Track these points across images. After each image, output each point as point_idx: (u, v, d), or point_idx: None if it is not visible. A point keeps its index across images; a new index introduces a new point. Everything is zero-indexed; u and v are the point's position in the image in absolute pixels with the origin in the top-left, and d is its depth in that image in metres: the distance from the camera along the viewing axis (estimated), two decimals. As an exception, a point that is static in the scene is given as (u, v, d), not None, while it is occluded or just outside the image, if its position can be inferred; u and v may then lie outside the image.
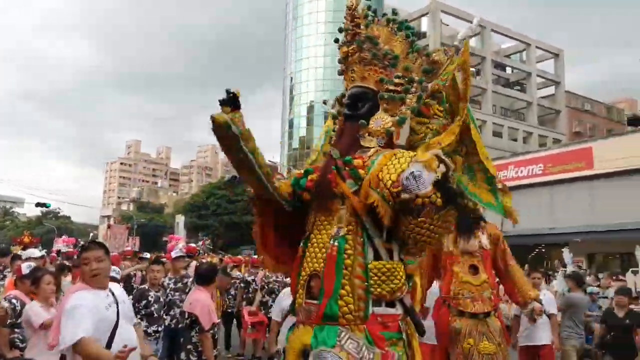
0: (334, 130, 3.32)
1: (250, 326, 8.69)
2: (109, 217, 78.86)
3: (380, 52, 3.05)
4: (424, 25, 49.39)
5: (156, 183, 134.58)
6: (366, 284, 2.66)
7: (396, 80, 3.02)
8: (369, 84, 3.05)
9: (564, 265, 18.25)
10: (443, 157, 2.47)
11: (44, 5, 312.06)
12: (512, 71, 53.46)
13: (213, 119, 2.47)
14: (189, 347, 5.15)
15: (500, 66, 52.07)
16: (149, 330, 5.84)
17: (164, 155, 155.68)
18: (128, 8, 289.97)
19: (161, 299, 6.24)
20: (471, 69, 3.13)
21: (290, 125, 52.17)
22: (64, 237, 14.27)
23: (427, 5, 47.14)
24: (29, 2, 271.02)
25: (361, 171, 2.75)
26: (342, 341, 2.59)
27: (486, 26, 47.99)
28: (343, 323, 2.63)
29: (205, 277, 5.48)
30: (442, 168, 2.44)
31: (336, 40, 3.20)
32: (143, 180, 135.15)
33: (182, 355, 5.20)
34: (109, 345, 3.11)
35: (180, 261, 7.22)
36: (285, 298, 5.49)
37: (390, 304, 2.72)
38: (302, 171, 2.96)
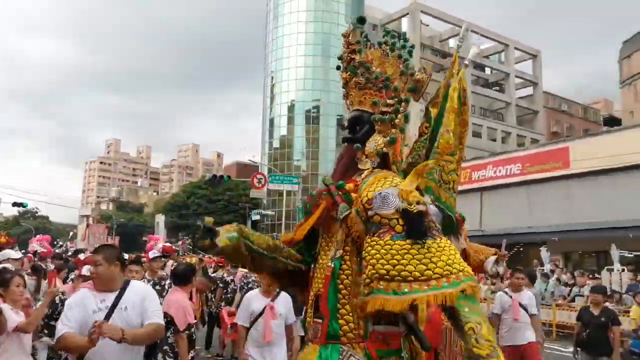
0: None
1: (229, 327, 8.66)
2: (88, 216, 78.00)
3: (372, 76, 3.11)
4: (404, 25, 49.63)
5: (136, 182, 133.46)
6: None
7: (389, 102, 3.09)
8: (365, 107, 3.12)
9: (542, 264, 18.52)
10: (423, 200, 2.57)
11: (24, 5, 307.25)
12: (491, 72, 53.99)
13: (220, 249, 2.76)
14: (165, 347, 5.10)
15: (479, 67, 52.56)
16: None
17: (144, 155, 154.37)
18: (108, 7, 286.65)
19: None
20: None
21: (271, 125, 52.04)
22: (38, 236, 13.95)
23: (407, 6, 47.39)
24: (9, 2, 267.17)
25: (353, 194, 2.83)
26: (350, 357, 2.66)
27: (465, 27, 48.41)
28: (344, 342, 2.69)
29: (182, 277, 5.43)
30: (421, 207, 2.52)
31: (338, 67, 3.28)
32: (123, 180, 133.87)
33: (159, 356, 5.13)
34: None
35: (157, 261, 7.17)
36: (254, 300, 5.44)
37: (392, 322, 2.75)
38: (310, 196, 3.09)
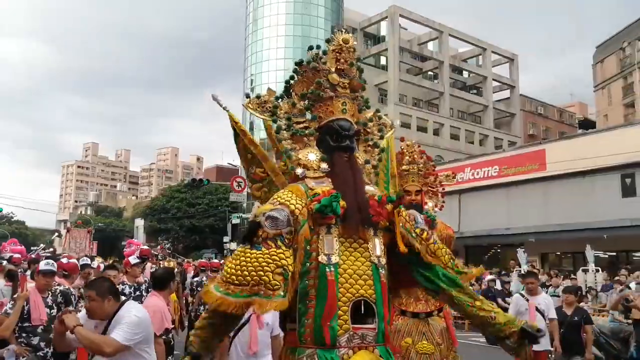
0: None
1: None
2: (65, 221, 77.04)
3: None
4: (383, 29, 49.94)
5: (115, 186, 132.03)
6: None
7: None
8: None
9: (519, 265, 18.76)
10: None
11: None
12: (469, 75, 54.56)
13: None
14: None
15: (458, 70, 53.09)
16: None
17: (122, 158, 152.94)
18: (85, 9, 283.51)
19: None
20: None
21: (251, 128, 51.89)
22: (9, 242, 13.65)
23: (386, 10, 47.68)
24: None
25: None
26: (395, 356, 2.94)
27: (444, 31, 48.88)
28: (386, 343, 2.90)
29: (160, 281, 5.42)
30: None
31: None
32: (101, 184, 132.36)
33: None
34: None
35: (138, 267, 7.19)
36: None
37: None
38: (331, 195, 2.89)
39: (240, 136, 3.29)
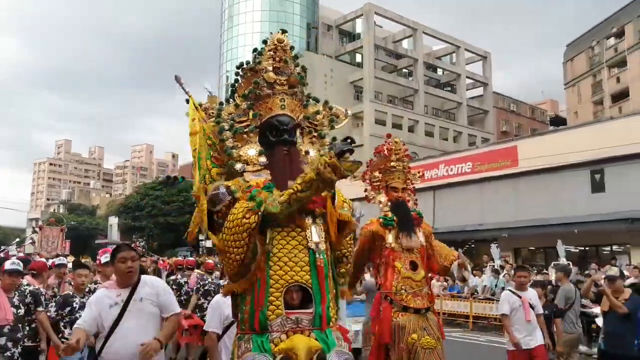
0: None
1: (185, 330, 8.57)
2: (36, 220, 75.64)
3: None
4: (358, 26, 50.09)
5: (88, 184, 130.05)
6: (334, 290, 3.11)
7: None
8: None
9: (493, 260, 19.04)
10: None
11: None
12: (443, 73, 55.03)
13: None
14: None
15: (432, 67, 53.51)
16: None
17: (96, 156, 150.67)
18: (55, 6, 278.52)
19: None
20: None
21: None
22: None
23: (361, 7, 47.82)
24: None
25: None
26: (338, 340, 2.98)
27: (418, 29, 49.22)
28: (331, 326, 2.98)
29: None
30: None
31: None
32: (74, 182, 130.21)
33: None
34: (107, 336, 3.63)
35: (109, 266, 7.12)
36: (225, 306, 4.96)
37: None
38: (264, 186, 3.07)
39: (199, 123, 3.36)
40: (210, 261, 10.99)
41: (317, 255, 2.96)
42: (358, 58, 49.83)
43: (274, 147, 3.20)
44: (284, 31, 3.49)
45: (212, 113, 3.42)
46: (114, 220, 61.37)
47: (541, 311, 6.70)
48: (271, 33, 3.54)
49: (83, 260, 9.71)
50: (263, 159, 3.21)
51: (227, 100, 3.53)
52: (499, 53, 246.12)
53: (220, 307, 4.88)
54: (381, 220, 5.40)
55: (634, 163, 20.69)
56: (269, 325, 2.84)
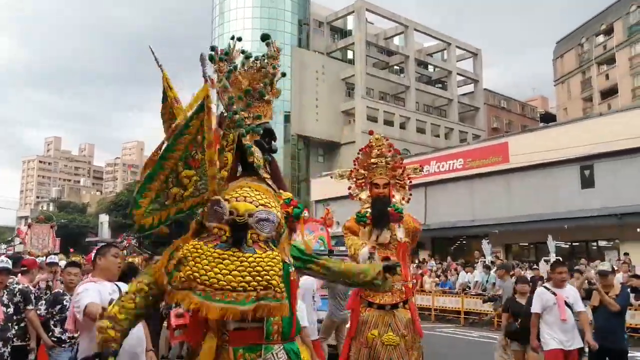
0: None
1: (176, 329, 8.50)
2: (26, 218, 75.16)
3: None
4: (350, 23, 50.06)
5: (78, 182, 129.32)
6: None
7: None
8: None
9: (484, 256, 19.15)
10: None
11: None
12: (434, 69, 55.12)
13: None
14: None
15: (423, 64, 53.57)
16: (64, 337, 5.57)
17: (86, 153, 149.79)
18: (46, 3, 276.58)
19: None
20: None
21: (217, 122, 51.55)
22: None
23: (352, 4, 47.79)
24: None
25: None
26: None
27: (409, 25, 49.28)
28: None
29: (121, 276, 5.45)
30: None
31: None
32: (64, 179, 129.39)
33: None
34: None
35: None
36: None
37: None
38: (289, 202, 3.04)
39: (201, 114, 2.76)
40: None
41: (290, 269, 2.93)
42: (349, 55, 49.80)
43: (265, 153, 3.11)
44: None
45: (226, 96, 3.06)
46: (104, 218, 61.09)
47: (582, 308, 6.15)
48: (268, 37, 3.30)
49: (73, 259, 9.67)
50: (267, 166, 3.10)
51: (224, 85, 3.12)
52: (489, 50, 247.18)
53: None
54: (355, 216, 5.45)
55: (623, 159, 20.88)
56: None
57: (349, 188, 5.74)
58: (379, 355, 4.94)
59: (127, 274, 5.48)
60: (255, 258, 2.59)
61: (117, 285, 3.93)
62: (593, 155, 21.45)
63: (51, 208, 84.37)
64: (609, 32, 47.23)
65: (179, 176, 2.73)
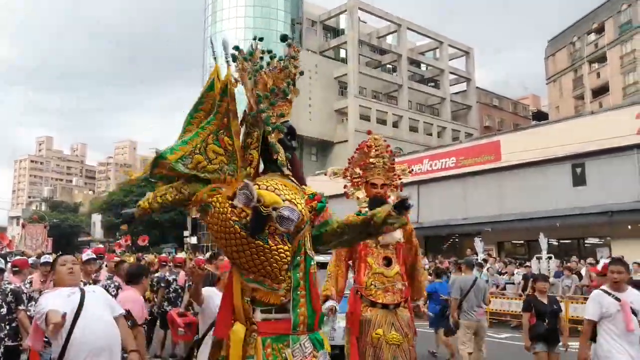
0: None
1: (180, 329, 8.47)
2: (18, 217, 74.77)
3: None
4: (342, 22, 50.07)
5: (71, 181, 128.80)
6: None
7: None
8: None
9: (477, 254, 19.22)
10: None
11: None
12: (427, 68, 55.22)
13: None
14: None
15: (415, 63, 53.67)
16: None
17: (79, 152, 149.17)
18: (37, 2, 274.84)
19: None
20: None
21: (211, 121, 51.39)
22: None
23: (345, 3, 47.81)
24: None
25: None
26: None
27: (402, 24, 49.34)
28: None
29: (133, 275, 5.52)
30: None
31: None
32: (56, 179, 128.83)
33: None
34: (74, 323, 3.55)
35: (91, 264, 7.07)
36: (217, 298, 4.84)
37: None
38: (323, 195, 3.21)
39: (226, 97, 3.10)
40: (179, 256, 10.91)
41: (312, 261, 3.07)
42: (342, 54, 49.83)
43: (287, 150, 3.19)
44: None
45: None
46: (97, 218, 60.91)
47: None
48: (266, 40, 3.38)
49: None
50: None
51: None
52: (482, 49, 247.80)
53: (213, 300, 4.72)
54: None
55: (614, 157, 21.00)
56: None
57: (345, 187, 5.76)
58: (383, 354, 4.97)
59: (139, 274, 5.57)
60: (264, 247, 2.75)
61: (80, 288, 3.90)
62: (584, 153, 21.54)
63: (43, 208, 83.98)
64: (600, 30, 47.47)
65: (207, 147, 2.98)
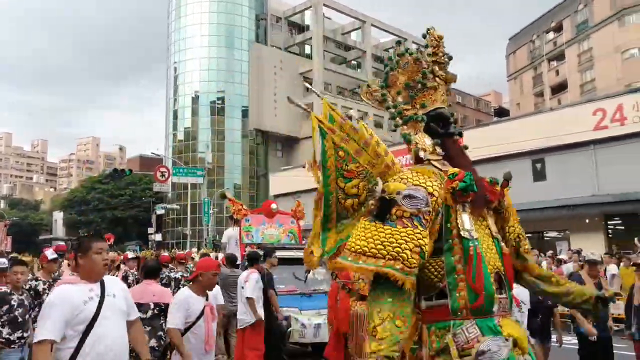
0: None
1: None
2: (-25, 216, 72.60)
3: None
4: (307, 18, 50.10)
5: (31, 178, 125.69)
6: None
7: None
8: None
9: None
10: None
11: None
12: (391, 65, 55.68)
13: None
14: (159, 333, 5.45)
15: (380, 59, 54.08)
16: (13, 337, 5.48)
17: (39, 149, 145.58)
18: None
19: (26, 303, 5.79)
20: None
21: (175, 117, 50.83)
22: None
23: (309, -1, 47.90)
24: None
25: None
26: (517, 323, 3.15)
27: (366, 21, 49.65)
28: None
29: (152, 270, 5.82)
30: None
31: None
32: (16, 176, 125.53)
33: (153, 341, 5.34)
34: (82, 339, 3.23)
35: (56, 263, 6.98)
36: (193, 300, 4.79)
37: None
38: (466, 174, 3.05)
39: (327, 136, 3.16)
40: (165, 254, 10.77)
41: (502, 244, 3.09)
42: (307, 50, 49.87)
43: (441, 138, 3.23)
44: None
45: (378, 97, 3.38)
46: (58, 215, 59.69)
47: None
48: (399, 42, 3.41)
49: (22, 258, 9.46)
50: (439, 150, 3.20)
51: (368, 85, 3.50)
52: (445, 46, 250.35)
53: (188, 302, 4.73)
54: None
55: (572, 152, 21.55)
56: (492, 309, 2.89)
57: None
58: None
59: (157, 268, 5.96)
60: (392, 231, 2.75)
61: (101, 282, 3.49)
62: (544, 149, 22.04)
63: (2, 205, 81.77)
64: (558, 29, 48.59)
65: (345, 190, 3.07)
